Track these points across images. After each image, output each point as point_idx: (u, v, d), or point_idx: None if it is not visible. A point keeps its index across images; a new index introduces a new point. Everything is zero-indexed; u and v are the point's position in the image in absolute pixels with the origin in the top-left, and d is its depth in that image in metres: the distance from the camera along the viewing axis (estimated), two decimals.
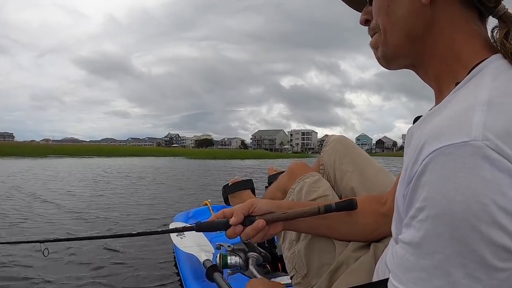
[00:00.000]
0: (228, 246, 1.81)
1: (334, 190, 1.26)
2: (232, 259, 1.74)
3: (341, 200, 0.92)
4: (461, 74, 0.56)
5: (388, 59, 0.66)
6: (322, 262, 1.06)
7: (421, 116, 0.61)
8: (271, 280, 1.74)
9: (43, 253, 1.14)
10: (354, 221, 0.98)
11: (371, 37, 0.69)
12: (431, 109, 0.60)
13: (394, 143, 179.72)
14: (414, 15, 0.59)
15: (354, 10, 0.80)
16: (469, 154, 0.44)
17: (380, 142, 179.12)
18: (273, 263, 1.98)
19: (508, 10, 0.56)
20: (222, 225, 0.92)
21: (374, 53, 0.69)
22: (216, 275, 1.77)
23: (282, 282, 1.71)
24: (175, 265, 2.68)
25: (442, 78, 0.60)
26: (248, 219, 0.93)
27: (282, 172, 1.84)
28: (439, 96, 0.60)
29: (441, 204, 0.44)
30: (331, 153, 1.33)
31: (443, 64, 0.59)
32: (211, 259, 2.00)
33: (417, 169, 0.47)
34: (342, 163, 1.29)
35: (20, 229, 4.12)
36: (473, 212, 0.42)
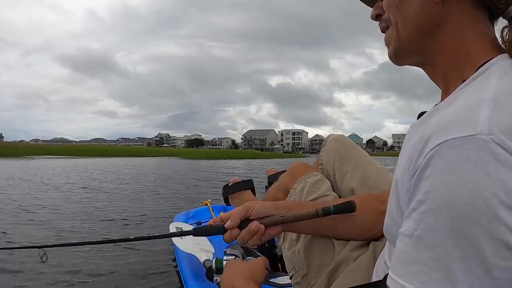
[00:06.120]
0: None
1: (334, 190, 1.25)
2: None
3: (339, 203, 0.92)
4: (468, 72, 0.56)
5: (400, 55, 0.67)
6: (321, 262, 1.05)
7: (425, 112, 0.62)
8: (270, 280, 1.77)
9: (41, 258, 1.14)
10: (354, 219, 0.98)
11: (382, 31, 0.70)
12: (436, 105, 0.61)
13: (385, 143, 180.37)
14: (425, 12, 0.59)
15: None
16: (474, 147, 0.44)
17: (370, 142, 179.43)
18: (273, 263, 1.99)
19: None
20: (219, 230, 0.92)
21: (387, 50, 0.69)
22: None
23: (281, 282, 1.74)
24: (175, 265, 2.68)
25: (450, 76, 0.60)
26: (245, 223, 0.92)
27: (282, 172, 1.83)
28: (446, 94, 0.61)
29: (443, 197, 0.44)
30: (331, 152, 1.32)
31: (452, 61, 0.60)
32: (211, 259, 1.99)
33: (421, 162, 0.48)
34: (342, 163, 1.28)
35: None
36: (475, 206, 0.43)
